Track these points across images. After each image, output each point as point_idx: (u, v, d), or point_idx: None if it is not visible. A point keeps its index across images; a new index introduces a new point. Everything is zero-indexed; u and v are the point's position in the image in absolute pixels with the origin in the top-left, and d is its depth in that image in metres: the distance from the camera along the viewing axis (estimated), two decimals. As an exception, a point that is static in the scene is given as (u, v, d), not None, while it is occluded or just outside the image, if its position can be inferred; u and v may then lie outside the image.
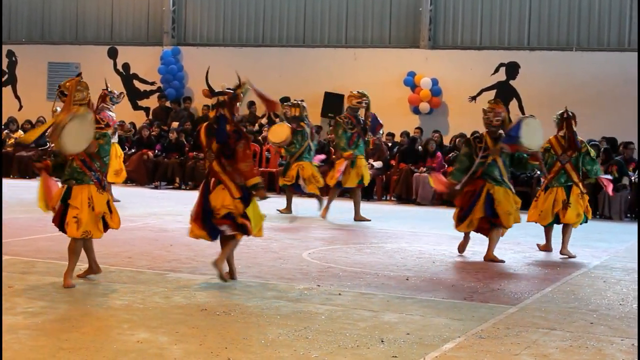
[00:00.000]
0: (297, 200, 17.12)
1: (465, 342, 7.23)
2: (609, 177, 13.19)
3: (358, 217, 16.05)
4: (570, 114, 12.65)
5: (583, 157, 12.66)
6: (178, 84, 25.53)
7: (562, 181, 12.61)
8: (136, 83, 26.30)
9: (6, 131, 24.47)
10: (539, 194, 13.10)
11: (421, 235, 14.68)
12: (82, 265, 9.56)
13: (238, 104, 9.70)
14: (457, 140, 21.33)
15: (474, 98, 22.82)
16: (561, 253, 12.55)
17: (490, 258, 11.83)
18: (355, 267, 10.91)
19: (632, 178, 19.09)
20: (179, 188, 21.95)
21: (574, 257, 12.47)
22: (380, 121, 16.91)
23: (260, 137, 22.63)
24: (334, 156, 21.65)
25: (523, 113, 22.61)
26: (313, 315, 8.05)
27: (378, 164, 20.92)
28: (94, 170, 9.05)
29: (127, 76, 26.37)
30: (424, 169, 20.53)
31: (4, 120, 25.27)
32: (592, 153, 12.77)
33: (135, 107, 26.33)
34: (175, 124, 24.10)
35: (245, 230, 9.40)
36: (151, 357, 6.46)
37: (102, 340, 6.83)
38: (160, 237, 12.98)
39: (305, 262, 11.12)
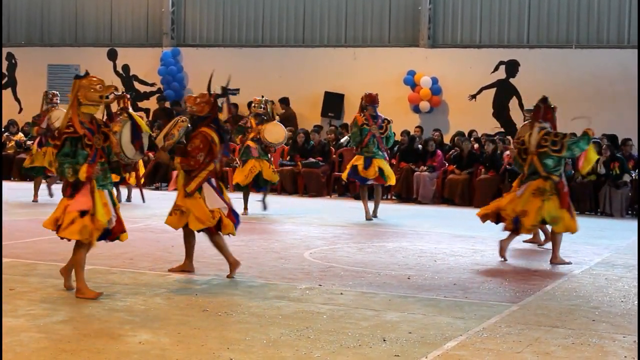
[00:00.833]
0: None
1: (467, 341, 7.23)
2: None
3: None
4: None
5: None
6: (177, 85, 25.53)
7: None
8: (136, 84, 26.31)
9: (6, 134, 24.46)
10: None
11: (422, 234, 14.68)
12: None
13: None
14: (457, 138, 21.33)
15: (474, 96, 22.83)
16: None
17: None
18: (356, 266, 10.91)
19: (633, 175, 19.08)
20: (180, 189, 21.93)
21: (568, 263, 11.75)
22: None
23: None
24: (334, 155, 21.71)
25: (523, 111, 22.66)
26: (315, 315, 8.06)
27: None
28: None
29: (127, 78, 26.37)
30: (425, 168, 20.53)
31: (4, 123, 25.28)
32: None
33: (136, 109, 26.29)
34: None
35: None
36: (153, 358, 6.46)
37: (104, 342, 6.83)
38: (162, 238, 12.98)
39: (307, 261, 11.12)
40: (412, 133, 22.06)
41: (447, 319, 8.05)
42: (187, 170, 9.68)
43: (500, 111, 22.92)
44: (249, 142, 16.41)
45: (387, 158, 16.52)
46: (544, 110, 12.04)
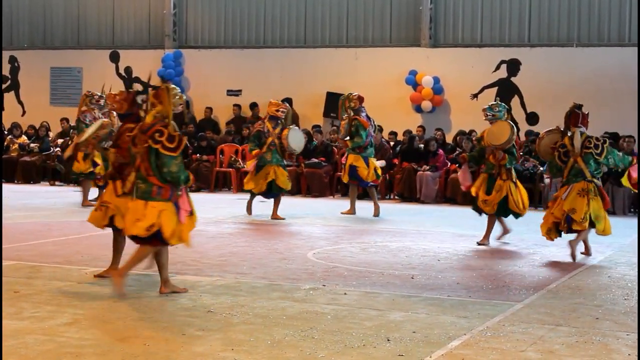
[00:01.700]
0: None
1: (471, 340, 7.24)
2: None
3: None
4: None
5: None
6: (174, 88, 25.52)
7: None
8: (136, 86, 26.32)
9: (10, 137, 24.51)
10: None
11: (425, 233, 14.69)
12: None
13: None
14: (459, 137, 21.35)
15: (475, 95, 22.85)
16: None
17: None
18: (360, 266, 10.92)
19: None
20: (183, 190, 21.93)
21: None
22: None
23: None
24: (337, 156, 21.72)
25: (525, 110, 22.68)
26: (319, 315, 8.07)
27: (381, 163, 20.92)
28: None
29: (129, 80, 26.40)
30: (427, 168, 20.54)
31: (8, 126, 25.33)
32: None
33: (138, 110, 26.32)
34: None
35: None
36: (158, 359, 6.47)
37: (109, 344, 6.85)
38: (165, 239, 12.97)
39: (310, 262, 11.14)
40: (413, 133, 22.08)
41: (450, 318, 8.06)
42: (118, 168, 9.15)
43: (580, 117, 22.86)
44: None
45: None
46: (582, 116, 12.35)
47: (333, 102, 23.97)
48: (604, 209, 11.96)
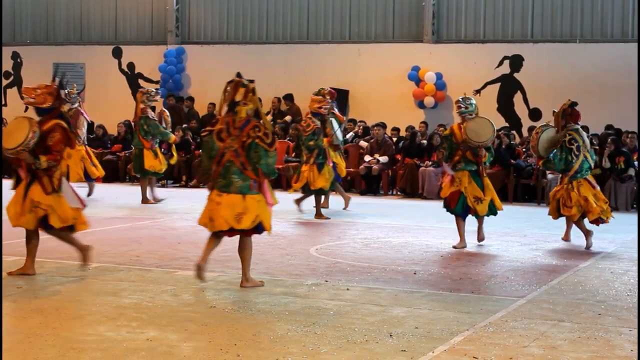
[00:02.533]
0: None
1: (473, 335, 7.25)
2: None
3: None
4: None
5: None
6: (173, 85, 25.54)
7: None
8: (141, 82, 26.33)
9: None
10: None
11: (428, 229, 14.70)
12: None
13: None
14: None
15: (478, 91, 22.82)
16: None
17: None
18: (362, 262, 10.93)
19: (637, 168, 19.09)
20: (186, 186, 21.98)
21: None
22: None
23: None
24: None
25: (528, 105, 22.67)
26: (321, 310, 8.08)
27: (384, 159, 20.95)
28: None
29: (132, 75, 26.41)
30: (429, 163, 20.54)
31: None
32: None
33: (140, 107, 26.34)
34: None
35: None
36: (161, 355, 6.49)
37: (111, 339, 6.86)
38: (168, 235, 13.01)
39: (313, 257, 11.15)
40: (416, 129, 22.07)
41: (453, 313, 8.07)
42: (46, 167, 9.29)
43: (505, 106, 22.92)
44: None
45: None
46: (577, 113, 12.83)
47: (336, 98, 23.98)
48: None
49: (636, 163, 19.19)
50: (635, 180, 18.90)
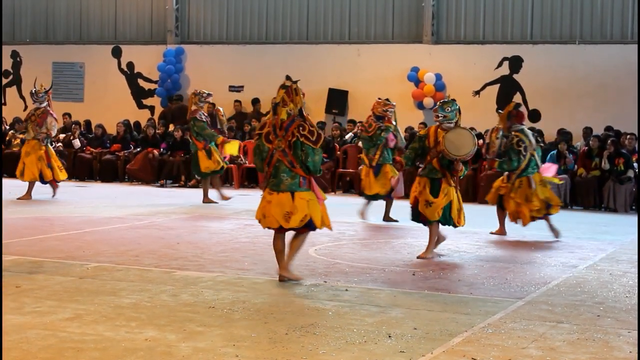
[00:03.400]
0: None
1: (472, 337, 7.25)
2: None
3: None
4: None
5: None
6: (171, 85, 25.54)
7: None
8: (140, 82, 26.34)
9: (12, 131, 24.51)
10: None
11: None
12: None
13: None
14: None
15: (477, 92, 22.84)
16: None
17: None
18: (361, 262, 10.93)
19: (635, 168, 19.10)
20: (185, 186, 21.97)
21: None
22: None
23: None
24: (338, 152, 21.71)
25: (527, 107, 22.67)
26: (320, 311, 8.08)
27: (383, 159, 20.91)
28: None
29: (131, 75, 26.41)
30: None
31: (10, 120, 25.34)
32: None
33: (140, 106, 26.36)
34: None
35: None
36: (159, 355, 6.48)
37: (110, 339, 6.86)
38: (167, 235, 13.01)
39: (312, 258, 11.14)
40: (415, 129, 22.06)
41: (452, 315, 8.07)
42: None
43: (504, 107, 22.86)
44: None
45: None
46: (521, 114, 13.97)
47: (335, 99, 24.02)
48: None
49: (635, 165, 19.21)
50: (634, 182, 18.91)
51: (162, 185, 22.16)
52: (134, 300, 8.32)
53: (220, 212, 16.26)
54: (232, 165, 21.70)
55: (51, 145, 18.15)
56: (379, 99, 15.60)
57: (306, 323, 7.54)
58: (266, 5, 25.24)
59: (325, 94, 23.95)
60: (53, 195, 17.87)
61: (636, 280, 10.11)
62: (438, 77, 23.18)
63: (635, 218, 17.25)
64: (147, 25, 26.60)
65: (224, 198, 17.88)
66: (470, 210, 14.69)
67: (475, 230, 14.18)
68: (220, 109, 18.78)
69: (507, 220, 13.99)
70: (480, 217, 14.43)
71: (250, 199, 18.68)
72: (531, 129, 21.48)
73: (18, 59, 27.63)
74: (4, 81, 27.61)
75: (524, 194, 13.58)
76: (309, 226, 9.37)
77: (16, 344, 6.62)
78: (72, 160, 23.51)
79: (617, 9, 22.31)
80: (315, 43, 24.72)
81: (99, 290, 8.81)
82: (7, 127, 24.84)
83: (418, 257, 11.39)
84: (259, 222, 9.59)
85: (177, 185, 22.27)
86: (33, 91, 17.99)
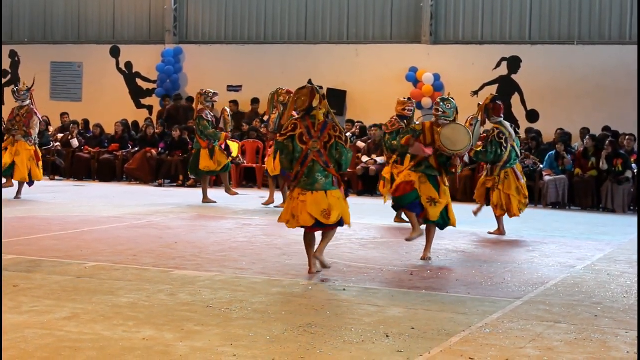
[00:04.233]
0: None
1: (470, 336, 7.25)
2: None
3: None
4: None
5: None
6: (170, 85, 25.53)
7: None
8: (139, 82, 26.33)
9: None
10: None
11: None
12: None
13: None
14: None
15: (476, 93, 22.82)
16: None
17: None
18: (359, 262, 10.93)
19: (635, 170, 19.11)
20: (183, 185, 21.97)
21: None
22: None
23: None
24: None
25: (525, 107, 22.67)
26: (318, 310, 8.07)
27: (381, 160, 20.94)
28: None
29: (129, 75, 26.39)
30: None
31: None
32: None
33: (138, 106, 26.35)
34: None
35: None
36: (157, 354, 6.48)
37: (107, 338, 6.86)
38: (165, 234, 13.01)
39: (310, 258, 11.12)
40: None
41: (450, 314, 8.07)
42: None
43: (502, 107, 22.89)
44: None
45: None
46: (499, 107, 13.94)
47: (334, 99, 23.98)
48: None
49: (634, 165, 19.22)
50: (633, 183, 18.92)
51: (160, 185, 22.16)
52: (132, 300, 8.31)
53: (218, 212, 16.26)
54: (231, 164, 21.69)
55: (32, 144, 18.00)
56: (401, 98, 15.51)
57: (304, 322, 7.53)
58: (264, 6, 25.23)
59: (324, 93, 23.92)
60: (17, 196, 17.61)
61: (633, 281, 10.12)
62: (436, 77, 23.18)
63: (633, 218, 17.27)
64: (146, 25, 26.58)
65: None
66: (469, 210, 14.69)
67: (473, 230, 14.18)
68: (227, 109, 18.78)
69: (504, 218, 13.98)
70: (478, 217, 14.42)
71: (248, 199, 18.71)
72: (530, 129, 21.61)
73: (16, 59, 27.62)
74: (2, 81, 27.59)
75: (513, 185, 13.79)
76: (340, 223, 9.86)
77: (14, 343, 6.61)
78: (70, 159, 23.51)
79: (615, 9, 22.31)
80: (314, 43, 24.71)
81: (96, 289, 8.81)
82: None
83: (422, 259, 11.30)
84: (286, 223, 9.88)
85: (175, 184, 22.26)
86: (15, 89, 18.01)
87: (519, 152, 14.25)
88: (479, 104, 13.78)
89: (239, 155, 19.67)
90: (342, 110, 24.01)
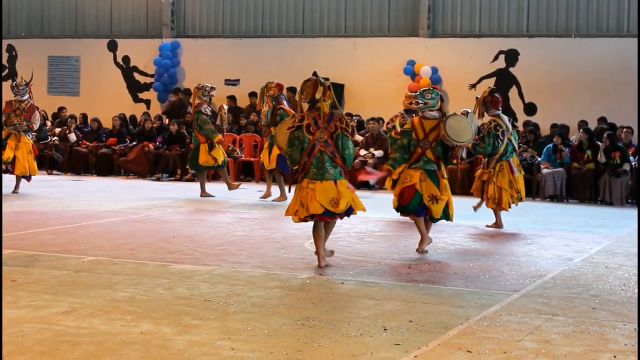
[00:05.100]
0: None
1: (467, 329, 7.25)
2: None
3: None
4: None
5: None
6: (168, 79, 25.51)
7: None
8: (136, 76, 26.31)
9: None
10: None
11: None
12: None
13: None
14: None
15: (473, 86, 22.83)
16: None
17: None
18: (357, 255, 10.93)
19: (633, 163, 19.11)
20: (181, 180, 21.96)
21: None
22: None
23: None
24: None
25: (523, 100, 22.68)
26: (316, 304, 8.08)
27: (379, 153, 20.95)
28: None
29: (127, 69, 26.38)
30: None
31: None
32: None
33: (136, 100, 26.34)
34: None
35: None
36: (155, 348, 6.48)
37: (106, 332, 6.86)
38: (163, 228, 13.00)
39: (308, 251, 11.13)
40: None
41: (447, 307, 8.07)
42: None
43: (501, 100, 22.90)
44: None
45: None
46: (497, 99, 13.93)
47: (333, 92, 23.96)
48: None
49: (632, 158, 19.22)
50: (631, 175, 18.92)
51: (158, 179, 22.16)
52: (130, 294, 8.31)
53: (216, 206, 16.25)
54: (228, 159, 21.69)
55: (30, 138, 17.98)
56: (408, 92, 15.57)
57: (302, 316, 7.54)
58: (262, -1, 25.23)
59: (322, 87, 23.92)
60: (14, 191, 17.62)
61: (631, 273, 10.13)
62: (434, 70, 23.17)
63: (630, 211, 17.28)
64: (143, 19, 26.57)
65: (235, 187, 17.96)
66: (467, 203, 14.70)
67: (471, 223, 14.18)
68: (225, 106, 18.77)
69: (498, 211, 14.00)
70: (477, 210, 14.43)
71: (246, 192, 18.70)
72: (527, 122, 21.61)
73: (14, 53, 27.60)
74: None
75: (507, 179, 13.83)
76: (349, 211, 10.00)
77: (12, 337, 6.61)
78: (68, 154, 23.51)
79: (613, 2, 22.30)
80: (311, 37, 24.70)
81: (94, 283, 8.81)
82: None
83: (417, 251, 11.27)
84: (295, 214, 9.97)
85: (173, 178, 22.26)
86: (13, 84, 17.98)
87: (515, 146, 14.27)
88: (476, 97, 13.78)
89: (237, 149, 19.66)
90: (340, 103, 23.95)
